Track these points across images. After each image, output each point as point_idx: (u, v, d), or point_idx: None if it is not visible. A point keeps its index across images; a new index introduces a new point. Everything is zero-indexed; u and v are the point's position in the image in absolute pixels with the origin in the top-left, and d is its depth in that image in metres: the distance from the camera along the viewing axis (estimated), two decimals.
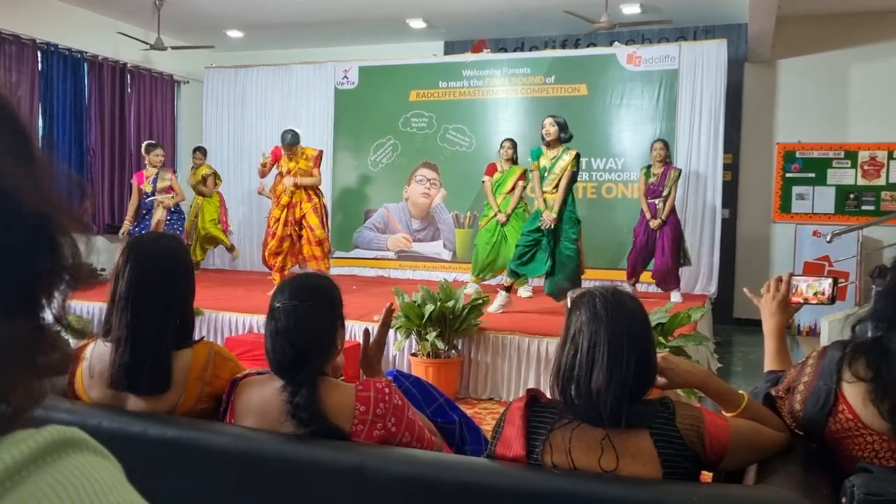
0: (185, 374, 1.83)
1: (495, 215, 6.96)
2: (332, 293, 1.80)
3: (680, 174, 6.94)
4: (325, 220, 6.92)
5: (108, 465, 0.46)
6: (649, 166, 6.95)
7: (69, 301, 0.50)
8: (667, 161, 6.90)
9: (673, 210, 6.85)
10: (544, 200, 5.83)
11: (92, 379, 1.84)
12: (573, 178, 5.90)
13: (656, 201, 6.82)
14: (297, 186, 6.70)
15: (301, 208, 6.76)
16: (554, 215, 5.74)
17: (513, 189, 6.93)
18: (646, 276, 7.06)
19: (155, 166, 7.38)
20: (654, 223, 6.79)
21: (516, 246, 6.07)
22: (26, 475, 0.41)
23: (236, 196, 9.37)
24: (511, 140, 7.16)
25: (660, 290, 7.02)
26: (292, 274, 1.95)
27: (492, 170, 7.13)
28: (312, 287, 1.78)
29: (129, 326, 1.79)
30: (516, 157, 7.08)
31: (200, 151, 8.63)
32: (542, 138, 5.91)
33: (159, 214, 7.26)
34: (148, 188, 7.33)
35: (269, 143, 9.39)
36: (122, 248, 1.89)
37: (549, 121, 5.90)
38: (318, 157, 6.95)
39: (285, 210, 6.74)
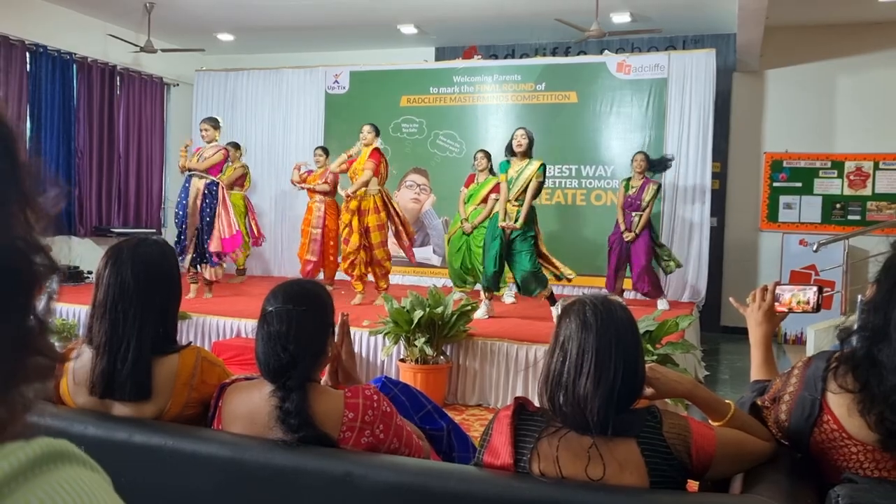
0: (172, 379, 1.82)
1: (462, 223, 7.00)
2: (324, 300, 1.80)
3: (659, 188, 6.98)
4: (396, 226, 6.62)
5: (96, 477, 0.46)
6: (629, 178, 7.00)
7: (55, 304, 0.50)
8: (646, 174, 6.93)
9: (648, 224, 6.88)
10: (505, 211, 5.84)
11: (77, 385, 1.83)
12: (538, 189, 5.92)
13: (633, 214, 6.86)
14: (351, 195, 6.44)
15: (367, 219, 6.44)
16: (515, 225, 5.75)
17: (485, 200, 6.94)
18: (628, 283, 7.11)
19: (208, 141, 6.88)
20: (627, 236, 6.84)
21: (483, 262, 6.11)
22: (15, 488, 0.41)
23: None
24: (484, 151, 7.18)
25: (647, 298, 7.06)
26: (287, 279, 1.94)
27: (470, 181, 7.18)
28: (305, 293, 1.78)
29: (108, 333, 1.78)
30: (492, 167, 7.07)
31: (232, 146, 8.07)
32: (512, 150, 5.91)
33: (198, 185, 6.73)
34: (192, 161, 6.84)
35: (260, 147, 9.42)
36: (104, 254, 1.88)
37: (521, 132, 5.91)
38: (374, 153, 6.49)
39: (354, 216, 6.43)
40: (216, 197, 6.79)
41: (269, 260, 9.46)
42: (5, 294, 0.46)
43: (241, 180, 8.29)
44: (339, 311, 1.92)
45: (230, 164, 7.84)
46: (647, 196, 6.83)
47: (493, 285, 6.00)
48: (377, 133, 6.58)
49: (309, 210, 7.73)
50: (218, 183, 6.84)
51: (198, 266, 6.75)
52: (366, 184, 6.37)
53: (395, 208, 6.62)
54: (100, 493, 0.44)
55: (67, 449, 0.45)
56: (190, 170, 6.73)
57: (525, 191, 5.81)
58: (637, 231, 6.81)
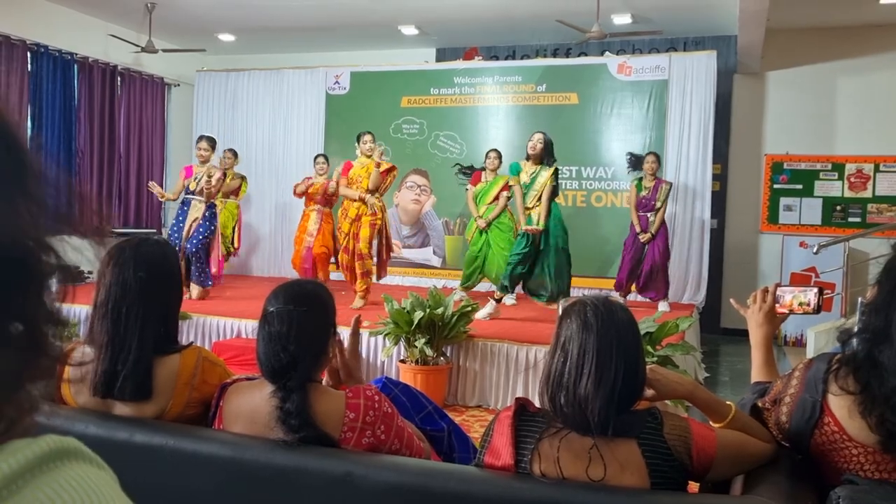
0: (173, 379, 1.82)
1: (476, 220, 7.00)
2: (326, 300, 1.80)
3: (671, 188, 6.99)
4: (382, 237, 6.65)
5: (103, 475, 0.46)
6: (641, 179, 6.98)
7: (61, 303, 0.50)
8: (657, 174, 6.94)
9: (663, 223, 6.89)
10: (528, 215, 5.88)
11: (78, 384, 1.83)
12: (554, 192, 5.98)
13: (648, 214, 6.86)
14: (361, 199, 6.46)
15: (360, 222, 6.51)
16: (539, 228, 5.80)
17: (496, 198, 6.95)
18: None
19: (202, 162, 6.83)
20: (644, 237, 6.83)
21: (507, 264, 6.11)
22: (23, 485, 0.41)
23: None
24: (496, 150, 7.18)
25: (647, 300, 7.05)
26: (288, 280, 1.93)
27: (476, 179, 7.17)
28: (307, 293, 1.78)
29: (110, 333, 1.78)
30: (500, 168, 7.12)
31: (231, 152, 7.98)
32: (527, 152, 5.95)
33: (196, 213, 6.76)
34: (192, 185, 6.80)
35: (260, 148, 9.42)
36: (105, 253, 1.87)
37: (538, 136, 5.94)
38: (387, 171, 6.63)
39: (353, 224, 6.52)
40: (216, 219, 6.92)
41: (270, 261, 9.46)
42: (12, 292, 0.46)
43: (237, 190, 8.26)
44: (340, 313, 1.92)
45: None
46: (661, 196, 6.83)
47: (510, 285, 6.00)
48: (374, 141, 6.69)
49: (305, 218, 7.75)
50: (216, 205, 6.92)
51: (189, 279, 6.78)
52: (374, 190, 6.47)
53: (385, 221, 6.68)
54: (107, 491, 0.44)
55: (74, 446, 0.45)
56: (189, 194, 6.78)
57: (541, 195, 5.88)
58: (654, 231, 6.81)
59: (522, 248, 5.96)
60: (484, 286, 7.08)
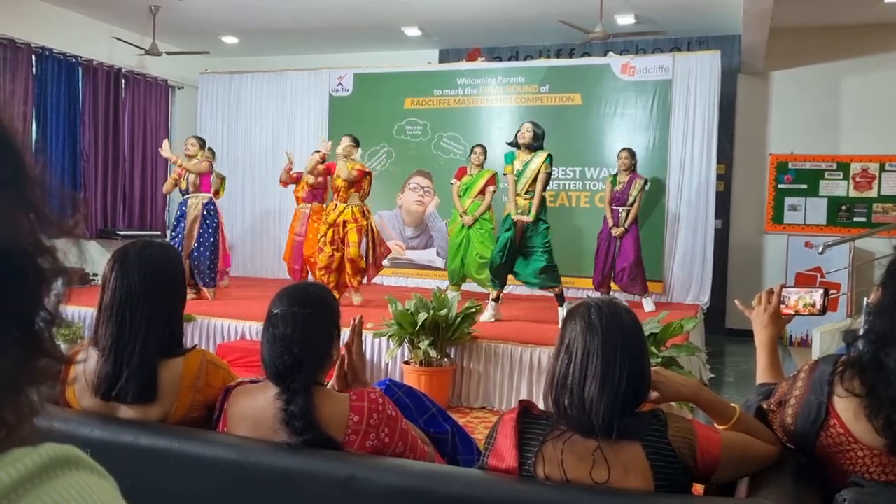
0: (177, 382, 1.82)
1: (461, 216, 7.02)
2: (330, 303, 1.81)
3: (646, 183, 7.00)
4: (370, 241, 6.63)
5: (103, 483, 0.46)
6: (616, 174, 7.00)
7: (62, 306, 0.50)
8: (632, 170, 6.95)
9: (636, 219, 6.89)
10: (516, 204, 5.84)
11: (82, 387, 1.83)
12: (547, 180, 5.92)
13: (620, 209, 6.87)
14: (343, 181, 6.47)
15: (345, 228, 6.54)
16: (529, 218, 5.76)
17: (482, 192, 6.98)
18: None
19: (189, 157, 6.73)
20: (616, 231, 6.85)
21: (493, 254, 6.08)
22: (23, 493, 0.41)
23: (232, 202, 9.30)
24: (482, 146, 7.27)
25: (632, 297, 7.01)
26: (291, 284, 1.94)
27: (461, 173, 7.21)
28: (312, 296, 1.79)
29: (114, 336, 1.79)
30: (483, 163, 7.19)
31: (209, 150, 7.74)
32: (517, 142, 5.94)
33: (194, 210, 6.72)
34: (183, 185, 6.79)
35: (264, 149, 9.43)
36: (110, 256, 1.89)
37: (527, 125, 5.96)
38: (363, 173, 6.64)
39: (331, 229, 6.56)
40: (216, 216, 6.90)
41: (274, 263, 9.46)
42: (11, 296, 0.46)
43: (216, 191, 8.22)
44: (343, 313, 1.92)
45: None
46: (634, 191, 6.85)
47: (499, 279, 5.96)
48: (357, 145, 6.65)
49: (295, 217, 7.78)
50: (213, 200, 6.91)
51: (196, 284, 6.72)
52: (350, 183, 6.48)
53: (371, 224, 6.71)
54: (107, 500, 0.44)
55: (74, 455, 0.45)
56: (185, 194, 6.76)
57: (534, 182, 5.82)
58: (626, 226, 6.82)
59: (503, 232, 5.92)
60: (471, 285, 7.11)
